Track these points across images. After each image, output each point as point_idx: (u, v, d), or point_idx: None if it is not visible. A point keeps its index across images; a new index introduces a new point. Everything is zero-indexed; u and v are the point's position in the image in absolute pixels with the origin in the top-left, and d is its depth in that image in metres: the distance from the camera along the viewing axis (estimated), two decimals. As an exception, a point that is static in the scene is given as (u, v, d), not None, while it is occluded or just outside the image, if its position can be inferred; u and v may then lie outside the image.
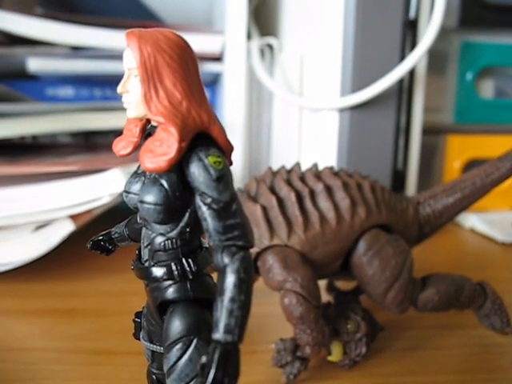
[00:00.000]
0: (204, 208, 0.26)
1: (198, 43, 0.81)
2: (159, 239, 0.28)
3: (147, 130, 0.28)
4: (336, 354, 0.45)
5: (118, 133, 0.83)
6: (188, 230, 0.28)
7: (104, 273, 0.63)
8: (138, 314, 0.32)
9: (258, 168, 0.82)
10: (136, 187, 0.28)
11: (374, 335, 0.47)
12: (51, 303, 0.56)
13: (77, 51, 0.84)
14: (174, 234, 0.28)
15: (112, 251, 0.34)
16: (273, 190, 0.46)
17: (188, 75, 0.26)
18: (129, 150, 0.28)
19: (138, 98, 0.27)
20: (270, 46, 0.81)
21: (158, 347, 0.30)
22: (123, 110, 0.77)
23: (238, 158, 0.77)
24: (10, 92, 0.82)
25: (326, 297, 0.49)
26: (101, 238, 0.34)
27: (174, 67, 0.26)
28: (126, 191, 0.29)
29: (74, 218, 0.59)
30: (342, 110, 0.67)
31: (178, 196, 0.27)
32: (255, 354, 0.46)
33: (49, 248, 0.58)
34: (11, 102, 0.79)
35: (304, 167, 0.50)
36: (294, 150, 0.76)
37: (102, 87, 0.88)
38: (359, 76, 0.66)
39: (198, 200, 0.26)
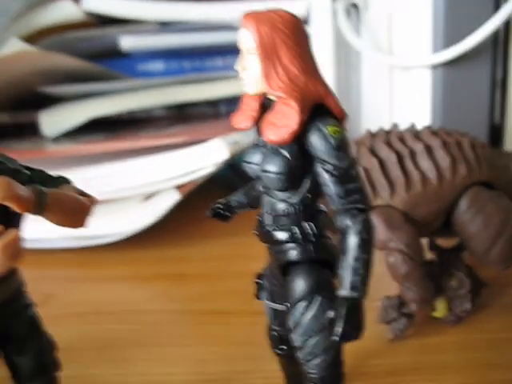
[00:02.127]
0: (325, 175, 0.28)
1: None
2: (281, 205, 0.30)
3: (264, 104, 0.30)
4: (441, 310, 0.46)
5: (210, 103, 0.85)
6: (308, 195, 0.30)
7: (209, 238, 0.66)
8: (260, 276, 0.34)
9: (349, 130, 0.82)
10: (256, 158, 0.30)
11: (478, 291, 0.48)
12: (162, 269, 0.60)
13: (165, 26, 0.87)
14: (295, 199, 0.30)
15: (230, 218, 0.36)
16: (373, 152, 0.46)
17: (303, 51, 0.28)
18: (248, 123, 0.30)
19: (257, 75, 0.28)
20: (356, 6, 0.81)
21: (280, 306, 0.33)
22: (213, 80, 0.78)
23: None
24: (105, 71, 0.86)
25: (428, 255, 0.50)
26: (220, 205, 0.36)
27: (290, 45, 0.28)
28: (246, 162, 0.31)
29: (179, 187, 0.62)
30: (434, 67, 0.65)
31: (299, 164, 0.28)
32: (362, 311, 0.48)
33: (157, 217, 0.62)
34: (108, 81, 0.83)
35: (400, 127, 0.50)
36: (385, 111, 0.76)
37: (191, 59, 0.90)
38: (452, 30, 0.64)
39: (318, 167, 0.28)
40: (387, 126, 0.51)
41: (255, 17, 0.28)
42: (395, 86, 0.75)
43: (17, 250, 0.27)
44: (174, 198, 0.62)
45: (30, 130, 0.82)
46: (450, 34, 0.64)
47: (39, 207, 0.29)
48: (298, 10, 0.79)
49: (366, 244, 0.28)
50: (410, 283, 0.44)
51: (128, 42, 0.85)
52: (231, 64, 0.93)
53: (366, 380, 0.40)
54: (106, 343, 0.47)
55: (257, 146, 0.31)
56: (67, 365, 0.36)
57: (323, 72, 0.79)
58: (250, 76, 0.29)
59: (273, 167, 0.28)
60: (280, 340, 0.34)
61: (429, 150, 0.46)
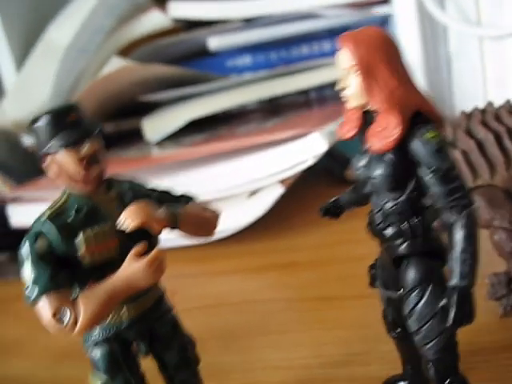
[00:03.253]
0: (429, 176, 0.31)
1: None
2: (390, 204, 0.33)
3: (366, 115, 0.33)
4: (551, 285, 0.46)
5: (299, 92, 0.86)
6: (414, 194, 0.32)
7: (315, 227, 0.67)
8: (373, 266, 0.37)
9: (442, 106, 0.81)
10: (363, 163, 0.33)
11: None
12: (272, 259, 0.63)
13: (249, 22, 0.89)
14: (402, 199, 0.32)
15: (339, 215, 0.39)
16: (470, 134, 0.47)
17: (397, 65, 0.31)
18: (353, 133, 0.33)
19: (357, 90, 0.31)
20: (438, -22, 0.80)
21: (393, 293, 0.35)
22: (302, 70, 0.80)
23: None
24: (196, 73, 0.90)
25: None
26: (330, 204, 0.38)
27: (386, 61, 0.30)
28: (354, 167, 0.34)
29: (282, 181, 0.65)
30: (526, 35, 0.64)
31: (404, 168, 0.31)
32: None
33: (263, 211, 0.66)
34: (202, 83, 0.87)
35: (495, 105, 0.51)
36: (478, 83, 0.75)
37: (277, 50, 0.92)
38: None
39: (422, 170, 0.31)
40: (480, 100, 0.52)
41: (352, 38, 0.31)
42: (486, 57, 0.74)
43: (161, 265, 0.31)
44: (278, 191, 0.65)
45: (135, 137, 0.88)
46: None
47: (173, 226, 0.33)
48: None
49: (472, 236, 0.30)
50: (517, 259, 0.45)
51: (215, 41, 0.89)
52: (317, 51, 0.94)
53: (481, 355, 0.41)
54: (228, 333, 0.51)
55: (363, 152, 0.33)
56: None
57: (410, 49, 0.78)
58: (351, 92, 0.32)
59: (379, 171, 0.31)
60: (394, 324, 0.37)
61: (526, 125, 0.47)
